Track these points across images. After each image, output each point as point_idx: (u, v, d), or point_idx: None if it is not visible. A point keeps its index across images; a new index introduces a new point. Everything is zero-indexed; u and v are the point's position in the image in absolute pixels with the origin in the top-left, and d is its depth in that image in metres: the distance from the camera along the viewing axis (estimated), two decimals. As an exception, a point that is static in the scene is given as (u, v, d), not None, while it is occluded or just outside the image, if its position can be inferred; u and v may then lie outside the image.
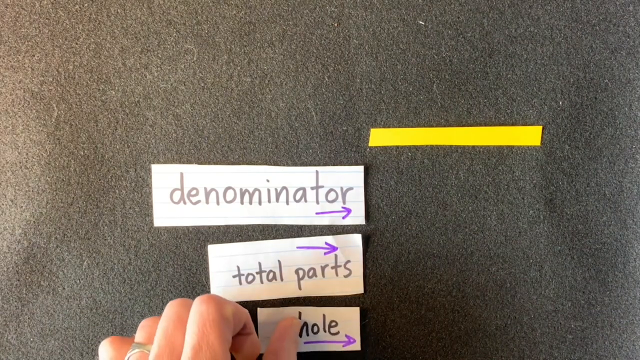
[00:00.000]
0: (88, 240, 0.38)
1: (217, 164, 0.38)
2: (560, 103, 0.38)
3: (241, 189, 0.38)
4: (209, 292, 0.39)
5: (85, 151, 0.38)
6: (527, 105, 0.38)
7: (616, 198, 0.39)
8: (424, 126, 0.38)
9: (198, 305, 0.30)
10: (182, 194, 0.38)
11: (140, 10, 0.38)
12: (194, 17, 0.38)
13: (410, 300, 0.40)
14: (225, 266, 0.39)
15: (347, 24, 0.38)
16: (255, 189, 0.38)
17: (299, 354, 0.40)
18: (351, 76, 0.38)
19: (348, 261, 0.39)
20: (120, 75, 0.38)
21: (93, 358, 0.39)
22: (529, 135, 0.38)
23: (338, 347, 0.40)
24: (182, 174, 0.38)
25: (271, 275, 0.39)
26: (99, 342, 0.39)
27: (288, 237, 0.39)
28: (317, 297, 0.40)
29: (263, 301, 0.39)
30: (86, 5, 0.38)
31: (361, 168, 0.39)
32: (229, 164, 0.38)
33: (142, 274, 0.39)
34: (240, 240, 0.39)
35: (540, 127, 0.38)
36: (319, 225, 0.39)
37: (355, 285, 0.39)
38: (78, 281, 0.39)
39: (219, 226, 0.39)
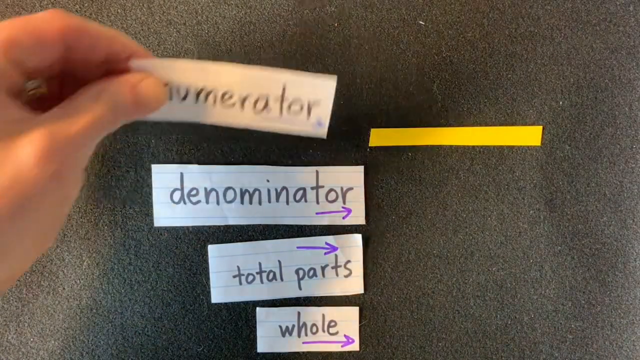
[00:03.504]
0: (88, 240, 0.38)
1: (217, 164, 0.38)
2: (560, 103, 0.38)
3: (241, 189, 0.38)
4: (209, 292, 0.39)
5: (86, 151, 0.38)
6: (527, 105, 0.38)
7: (616, 198, 0.39)
8: (424, 126, 0.38)
9: None
10: (182, 194, 0.38)
11: (140, 10, 0.38)
12: (194, 17, 0.38)
13: (410, 300, 0.40)
14: (225, 266, 0.39)
15: (347, 24, 0.38)
16: (255, 189, 0.38)
17: (297, 355, 0.40)
18: (351, 76, 0.38)
19: (348, 261, 0.39)
20: (120, 75, 0.38)
21: (93, 358, 0.39)
22: (529, 135, 0.38)
23: (337, 348, 0.40)
24: (182, 174, 0.38)
25: (271, 275, 0.39)
26: (99, 342, 0.39)
27: (288, 237, 0.39)
28: (317, 297, 0.40)
29: (263, 301, 0.39)
30: (86, 5, 0.38)
31: (361, 168, 0.39)
32: (229, 164, 0.38)
33: (142, 274, 0.39)
34: (240, 240, 0.39)
35: (541, 127, 0.38)
36: (319, 225, 0.39)
37: (355, 285, 0.39)
38: (78, 281, 0.39)
39: (219, 226, 0.39)
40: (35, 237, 0.25)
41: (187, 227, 0.39)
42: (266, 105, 0.31)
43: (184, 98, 0.31)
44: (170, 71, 0.30)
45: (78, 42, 0.26)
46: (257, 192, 0.38)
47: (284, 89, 0.31)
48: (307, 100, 0.31)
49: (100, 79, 0.27)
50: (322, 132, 0.32)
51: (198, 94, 0.31)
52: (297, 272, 0.39)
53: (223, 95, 0.31)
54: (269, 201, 0.38)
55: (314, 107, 0.32)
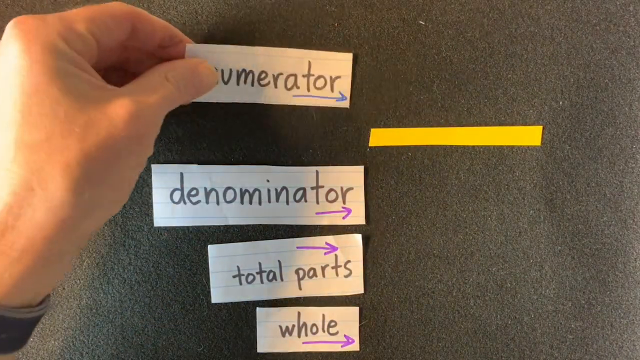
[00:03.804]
0: (88, 241, 0.38)
1: (217, 164, 0.38)
2: (560, 103, 0.38)
3: (241, 189, 0.38)
4: (209, 292, 0.39)
5: (85, 151, 0.38)
6: (527, 105, 0.38)
7: (616, 198, 0.39)
8: (424, 126, 0.38)
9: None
10: (182, 194, 0.38)
11: (140, 11, 0.38)
12: (194, 17, 0.38)
13: (410, 300, 0.40)
14: (225, 266, 0.39)
15: (347, 24, 0.38)
16: (255, 189, 0.38)
17: (297, 355, 0.40)
18: (351, 76, 0.38)
19: (348, 261, 0.39)
20: (120, 75, 0.38)
21: (93, 358, 0.39)
22: (529, 135, 0.38)
23: (336, 348, 0.40)
24: (182, 174, 0.38)
25: (271, 275, 0.39)
26: (99, 342, 0.39)
27: (288, 237, 0.39)
28: (317, 297, 0.40)
29: (263, 301, 0.39)
30: (86, 5, 0.38)
31: (361, 168, 0.39)
32: (229, 164, 0.38)
33: (142, 274, 0.39)
34: (240, 240, 0.39)
35: (541, 127, 0.38)
36: (319, 225, 0.39)
37: (355, 285, 0.39)
38: (78, 281, 0.39)
39: (219, 226, 0.39)
40: (112, 196, 0.29)
41: (187, 227, 0.39)
42: (295, 82, 0.36)
43: (227, 81, 0.36)
44: (218, 55, 0.35)
45: (141, 25, 0.30)
46: (257, 192, 0.38)
47: (309, 66, 0.36)
48: (329, 75, 0.37)
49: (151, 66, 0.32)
50: (345, 104, 0.38)
51: (239, 77, 0.36)
52: (297, 272, 0.39)
53: (259, 75, 0.36)
54: (269, 201, 0.38)
55: (336, 81, 0.37)
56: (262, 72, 0.36)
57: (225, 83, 0.36)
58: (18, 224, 0.25)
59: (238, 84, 0.36)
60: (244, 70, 0.36)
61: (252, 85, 0.36)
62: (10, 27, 0.26)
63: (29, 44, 0.25)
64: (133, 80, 0.30)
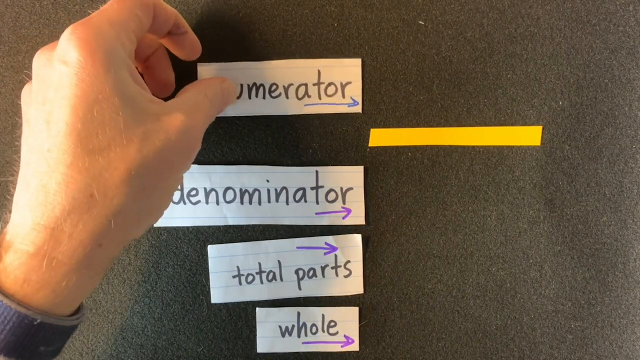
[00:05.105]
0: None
1: (216, 164, 0.38)
2: (560, 103, 0.38)
3: (241, 189, 0.38)
4: (208, 292, 0.39)
5: (85, 151, 0.38)
6: (527, 105, 0.38)
7: (616, 198, 0.39)
8: (424, 126, 0.38)
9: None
10: (181, 194, 0.38)
11: (140, 11, 0.38)
12: (194, 17, 0.38)
13: (410, 300, 0.40)
14: (225, 266, 0.39)
15: (347, 24, 0.38)
16: (255, 189, 0.38)
17: (297, 355, 0.40)
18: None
19: (348, 261, 0.39)
20: (120, 75, 0.38)
21: (93, 358, 0.39)
22: (529, 135, 0.38)
23: (336, 348, 0.40)
24: (182, 174, 0.38)
25: (271, 275, 0.39)
26: (99, 342, 0.39)
27: (288, 237, 0.39)
28: (317, 297, 0.40)
29: (263, 301, 0.39)
30: (86, 5, 0.38)
31: (361, 168, 0.39)
32: (228, 164, 0.38)
33: (142, 274, 0.39)
34: (240, 240, 0.39)
35: (540, 127, 0.38)
36: (319, 226, 0.39)
37: (355, 285, 0.39)
38: (78, 281, 0.39)
39: (219, 226, 0.39)
40: (160, 204, 0.30)
41: (187, 227, 0.39)
42: (306, 91, 0.37)
43: (239, 96, 0.37)
44: (228, 72, 0.37)
45: (159, 12, 0.31)
46: (256, 192, 0.38)
47: (319, 74, 0.37)
48: (339, 82, 0.37)
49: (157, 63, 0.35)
50: (357, 109, 0.38)
51: (250, 91, 0.37)
52: (297, 272, 0.39)
53: (270, 88, 0.37)
54: (269, 201, 0.38)
55: (347, 87, 0.37)
56: (273, 84, 0.37)
57: (237, 97, 0.37)
58: (75, 232, 0.25)
59: (250, 97, 0.37)
60: (254, 84, 0.37)
61: (264, 98, 0.37)
62: (68, 38, 0.26)
63: (92, 55, 0.26)
64: (176, 97, 0.31)
